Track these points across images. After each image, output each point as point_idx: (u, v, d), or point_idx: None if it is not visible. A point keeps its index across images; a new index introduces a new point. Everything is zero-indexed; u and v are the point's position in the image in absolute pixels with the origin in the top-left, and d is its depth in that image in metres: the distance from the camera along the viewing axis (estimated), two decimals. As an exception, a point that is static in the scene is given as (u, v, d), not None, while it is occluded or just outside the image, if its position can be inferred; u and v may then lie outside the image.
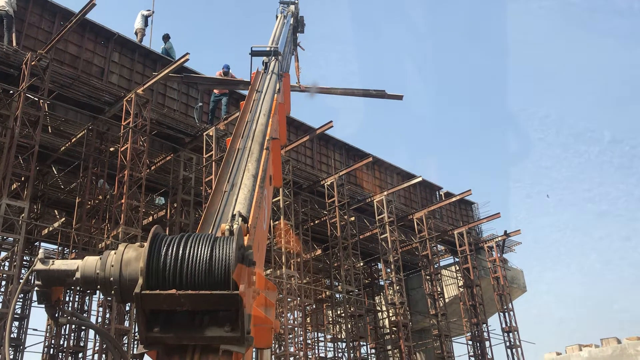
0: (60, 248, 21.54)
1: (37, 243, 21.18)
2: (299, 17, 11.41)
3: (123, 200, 15.45)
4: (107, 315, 14.92)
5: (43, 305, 2.93)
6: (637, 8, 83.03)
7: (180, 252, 2.59)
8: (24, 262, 19.12)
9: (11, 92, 14.66)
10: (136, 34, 19.77)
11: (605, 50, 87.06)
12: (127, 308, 15.23)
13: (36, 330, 18.88)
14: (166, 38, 20.08)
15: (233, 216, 3.09)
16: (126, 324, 15.20)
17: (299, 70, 11.45)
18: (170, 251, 2.59)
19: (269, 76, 6.57)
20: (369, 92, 11.32)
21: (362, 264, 26.53)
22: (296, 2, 11.56)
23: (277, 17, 10.47)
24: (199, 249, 2.59)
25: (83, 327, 16.17)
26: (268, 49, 7.51)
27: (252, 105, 5.62)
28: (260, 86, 6.16)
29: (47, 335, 18.01)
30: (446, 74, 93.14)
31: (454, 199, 28.24)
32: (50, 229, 21.31)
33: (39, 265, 2.85)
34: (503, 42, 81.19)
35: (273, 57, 7.28)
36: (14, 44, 15.15)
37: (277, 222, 19.77)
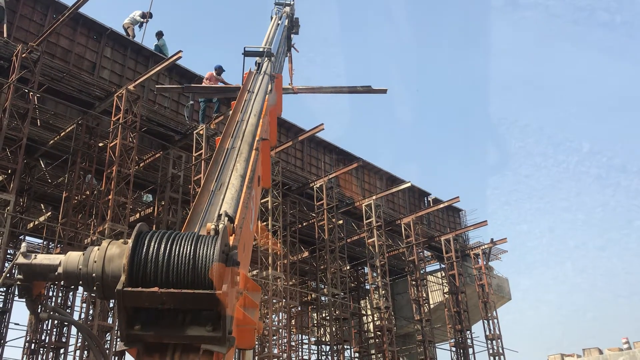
0: (45, 242, 21.36)
1: (22, 237, 20.96)
2: (294, 18, 11.37)
3: (110, 196, 15.36)
4: (91, 312, 14.80)
5: (24, 300, 2.91)
6: (619, 21, 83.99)
7: (164, 249, 2.57)
8: (7, 256, 18.91)
9: (0, 83, 14.53)
10: (125, 29, 19.60)
11: (587, 62, 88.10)
12: (111, 305, 15.12)
13: (18, 324, 18.62)
14: (159, 35, 19.98)
15: (219, 216, 3.07)
16: (109, 320, 15.07)
17: (293, 72, 11.43)
18: (153, 249, 2.57)
19: (261, 77, 6.52)
20: (355, 88, 11.61)
21: (348, 267, 26.56)
22: (291, 3, 11.52)
23: (271, 17, 10.41)
24: (183, 247, 2.57)
25: (65, 323, 16.04)
26: (261, 49, 7.46)
27: (243, 105, 5.58)
28: (252, 86, 6.12)
29: (29, 330, 17.83)
30: (429, 82, 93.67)
31: (441, 206, 28.26)
32: (36, 222, 21.12)
33: (20, 259, 2.83)
34: (486, 52, 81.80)
35: (266, 58, 7.24)
36: (5, 35, 15.02)
37: (264, 223, 19.73)
